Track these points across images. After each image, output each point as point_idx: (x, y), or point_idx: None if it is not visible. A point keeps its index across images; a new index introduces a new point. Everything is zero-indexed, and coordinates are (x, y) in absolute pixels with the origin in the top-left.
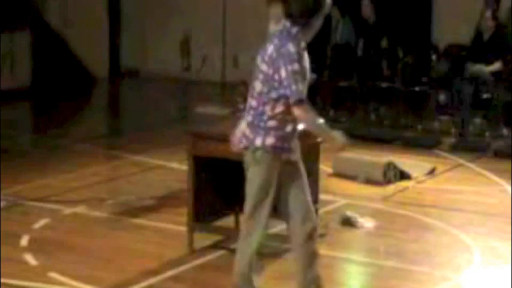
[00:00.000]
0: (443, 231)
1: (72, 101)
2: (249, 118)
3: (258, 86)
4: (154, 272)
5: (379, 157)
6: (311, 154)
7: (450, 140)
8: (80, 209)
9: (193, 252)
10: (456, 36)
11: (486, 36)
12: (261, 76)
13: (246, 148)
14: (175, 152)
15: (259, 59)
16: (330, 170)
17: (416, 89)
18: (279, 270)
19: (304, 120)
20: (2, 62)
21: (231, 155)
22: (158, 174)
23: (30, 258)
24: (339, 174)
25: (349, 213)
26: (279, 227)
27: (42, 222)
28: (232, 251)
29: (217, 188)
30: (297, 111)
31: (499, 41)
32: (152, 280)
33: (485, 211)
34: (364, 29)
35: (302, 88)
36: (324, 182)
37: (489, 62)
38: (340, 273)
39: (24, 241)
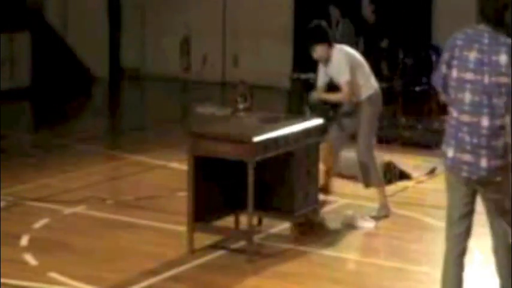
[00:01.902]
0: (443, 231)
1: (72, 101)
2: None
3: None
4: (154, 272)
5: (379, 157)
6: (311, 154)
7: None
8: (80, 209)
9: (193, 252)
10: None
11: None
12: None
13: None
14: (175, 152)
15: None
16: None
17: (417, 89)
18: (279, 270)
19: None
20: (2, 62)
21: (231, 155)
22: (158, 174)
23: (30, 258)
24: (339, 174)
25: (349, 213)
26: (279, 227)
27: (42, 222)
28: (232, 251)
29: (217, 188)
30: None
31: None
32: (152, 280)
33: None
34: (364, 29)
35: None
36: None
37: None
38: (340, 273)
39: (24, 241)
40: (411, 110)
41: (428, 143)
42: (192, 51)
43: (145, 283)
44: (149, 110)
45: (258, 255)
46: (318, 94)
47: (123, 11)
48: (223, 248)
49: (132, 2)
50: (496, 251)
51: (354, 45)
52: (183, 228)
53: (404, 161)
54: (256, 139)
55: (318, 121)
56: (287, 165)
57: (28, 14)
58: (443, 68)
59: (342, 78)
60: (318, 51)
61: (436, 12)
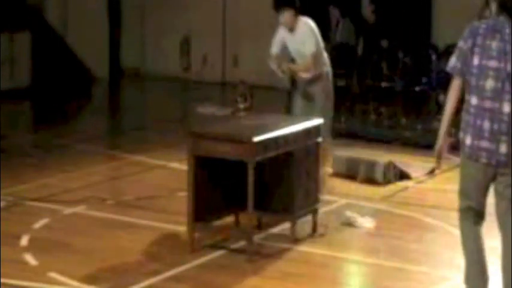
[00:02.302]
0: (443, 231)
1: (72, 101)
2: None
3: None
4: (154, 272)
5: (379, 157)
6: (311, 154)
7: (450, 140)
8: (80, 209)
9: (193, 252)
10: (456, 36)
11: None
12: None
13: None
14: (175, 152)
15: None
16: (330, 170)
17: (416, 89)
18: (279, 270)
19: None
20: (2, 62)
21: (231, 155)
22: (158, 174)
23: (30, 258)
24: (339, 174)
25: (349, 213)
26: (279, 227)
27: (42, 222)
28: (232, 251)
29: (217, 188)
30: None
31: None
32: (152, 280)
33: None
34: (364, 29)
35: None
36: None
37: None
38: (340, 273)
39: (24, 241)
40: (411, 110)
41: (428, 143)
42: (192, 51)
43: (145, 283)
44: (149, 110)
45: (258, 255)
46: (286, 65)
47: (123, 11)
48: (223, 248)
49: (132, 2)
50: (506, 254)
51: (354, 45)
52: (183, 228)
53: (405, 161)
54: (256, 139)
55: (318, 121)
56: (287, 165)
57: (28, 14)
58: (464, 55)
59: (308, 49)
60: (286, 16)
61: (435, 12)
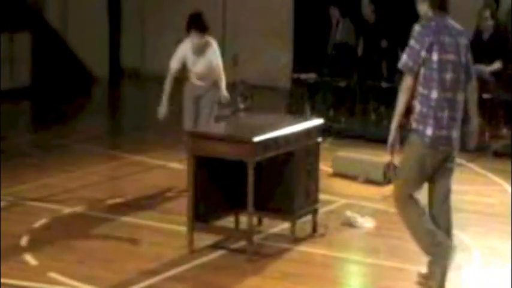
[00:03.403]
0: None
1: (72, 101)
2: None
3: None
4: (154, 272)
5: (379, 157)
6: (311, 154)
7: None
8: (80, 209)
9: (193, 252)
10: None
11: (485, 36)
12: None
13: None
14: (175, 152)
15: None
16: (330, 170)
17: None
18: (279, 270)
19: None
20: (2, 62)
21: (231, 155)
22: (158, 174)
23: (30, 258)
24: (339, 174)
25: (349, 213)
26: (279, 227)
27: (42, 222)
28: (232, 251)
29: (217, 188)
30: None
31: (498, 40)
32: (152, 280)
33: (485, 211)
34: (364, 29)
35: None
36: (324, 182)
37: (489, 62)
38: (340, 273)
39: (24, 241)
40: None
41: None
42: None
43: (145, 283)
44: (149, 110)
45: (258, 255)
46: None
47: (123, 11)
48: (223, 248)
49: (132, 2)
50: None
51: (354, 45)
52: (183, 228)
53: None
54: (256, 139)
55: (318, 121)
56: (287, 165)
57: (28, 14)
58: (422, 53)
59: (220, 64)
60: (198, 37)
61: None
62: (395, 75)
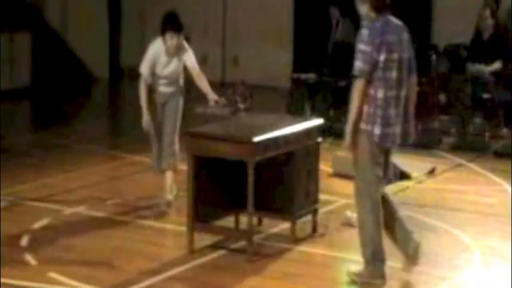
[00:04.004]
0: (443, 231)
1: (72, 101)
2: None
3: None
4: (154, 272)
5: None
6: (311, 154)
7: (450, 140)
8: (80, 209)
9: (193, 252)
10: (456, 36)
11: (486, 36)
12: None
13: None
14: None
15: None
16: (330, 170)
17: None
18: (279, 270)
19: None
20: (2, 62)
21: (231, 155)
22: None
23: (30, 258)
24: (339, 174)
25: (349, 213)
26: (279, 227)
27: (42, 222)
28: (232, 251)
29: (217, 188)
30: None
31: (498, 40)
32: (152, 280)
33: (485, 211)
34: None
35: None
36: (324, 182)
37: (489, 62)
38: (340, 273)
39: (24, 241)
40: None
41: (428, 143)
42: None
43: (145, 283)
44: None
45: (258, 255)
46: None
47: (123, 11)
48: (223, 248)
49: (132, 2)
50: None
51: (354, 45)
52: (183, 228)
53: (405, 161)
54: (256, 139)
55: (318, 121)
56: (287, 165)
57: (28, 14)
58: (373, 54)
59: (197, 66)
60: (175, 40)
61: (435, 12)
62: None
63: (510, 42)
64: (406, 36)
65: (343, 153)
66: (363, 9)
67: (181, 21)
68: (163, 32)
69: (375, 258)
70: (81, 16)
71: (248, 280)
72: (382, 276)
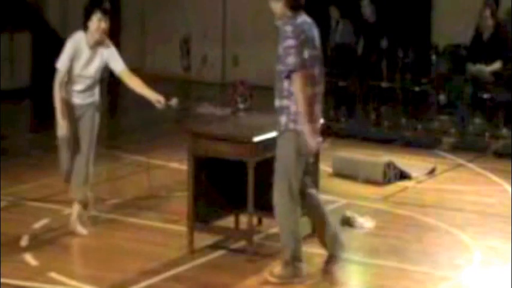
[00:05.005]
0: (443, 231)
1: None
2: None
3: None
4: (154, 272)
5: (379, 157)
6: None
7: (450, 140)
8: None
9: (193, 252)
10: (456, 36)
11: (486, 36)
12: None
13: None
14: (175, 152)
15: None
16: (330, 170)
17: (416, 89)
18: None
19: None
20: (2, 62)
21: (231, 155)
22: (158, 174)
23: (30, 258)
24: (339, 174)
25: (349, 213)
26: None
27: (42, 222)
28: (232, 251)
29: (217, 188)
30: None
31: (498, 40)
32: (152, 280)
33: (485, 211)
34: (364, 29)
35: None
36: (324, 182)
37: (489, 62)
38: (340, 273)
39: (24, 241)
40: (411, 110)
41: (428, 143)
42: (192, 51)
43: (145, 283)
44: (149, 110)
45: (258, 255)
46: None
47: (123, 11)
48: (223, 248)
49: (132, 2)
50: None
51: (354, 45)
52: (183, 228)
53: (405, 161)
54: (256, 139)
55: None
56: None
57: (28, 14)
58: (301, 52)
59: (121, 65)
60: (103, 29)
61: (435, 12)
62: (395, 75)
63: (510, 42)
64: (317, 32)
65: (343, 153)
66: (277, 6)
67: (109, 4)
68: (87, 16)
69: (294, 259)
70: (81, 16)
71: (248, 280)
72: (302, 276)
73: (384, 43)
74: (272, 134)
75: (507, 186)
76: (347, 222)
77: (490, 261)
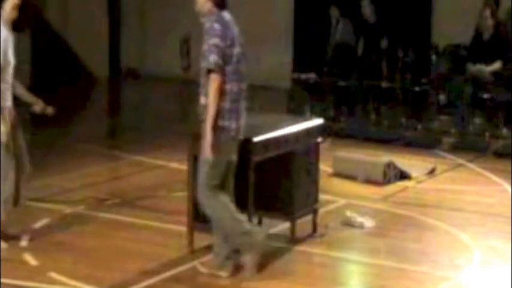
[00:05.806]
0: (443, 231)
1: (72, 101)
2: None
3: None
4: (154, 272)
5: (379, 157)
6: (311, 154)
7: (450, 140)
8: (80, 209)
9: (193, 252)
10: (456, 36)
11: (486, 36)
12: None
13: None
14: (175, 152)
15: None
16: (330, 170)
17: (416, 89)
18: (279, 270)
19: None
20: None
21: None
22: (158, 174)
23: (30, 258)
24: (339, 174)
25: (349, 213)
26: (279, 227)
27: (42, 222)
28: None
29: None
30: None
31: (498, 40)
32: (152, 280)
33: (485, 211)
34: (364, 29)
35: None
36: (324, 182)
37: (489, 62)
38: (340, 273)
39: (24, 241)
40: (411, 110)
41: (428, 143)
42: (192, 51)
43: (145, 283)
44: (149, 110)
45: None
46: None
47: (123, 11)
48: None
49: (132, 2)
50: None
51: (354, 45)
52: (183, 228)
53: (405, 161)
54: (256, 139)
55: (318, 121)
56: (287, 165)
57: (28, 14)
58: (222, 51)
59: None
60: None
61: (436, 12)
62: (395, 75)
63: (510, 42)
64: (237, 31)
65: (343, 153)
66: (206, 4)
67: None
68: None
69: (244, 238)
70: (81, 16)
71: (248, 280)
72: (228, 270)
73: (384, 43)
74: (272, 134)
75: (507, 186)
76: (347, 222)
77: (490, 261)
